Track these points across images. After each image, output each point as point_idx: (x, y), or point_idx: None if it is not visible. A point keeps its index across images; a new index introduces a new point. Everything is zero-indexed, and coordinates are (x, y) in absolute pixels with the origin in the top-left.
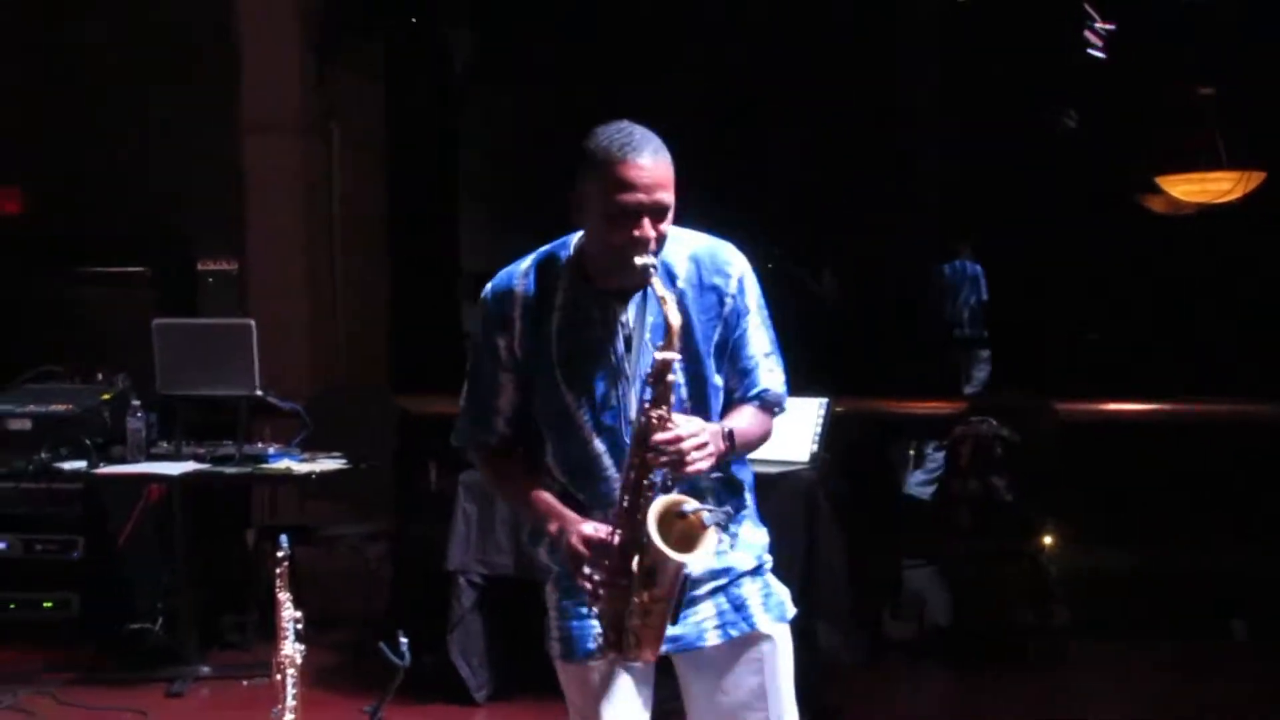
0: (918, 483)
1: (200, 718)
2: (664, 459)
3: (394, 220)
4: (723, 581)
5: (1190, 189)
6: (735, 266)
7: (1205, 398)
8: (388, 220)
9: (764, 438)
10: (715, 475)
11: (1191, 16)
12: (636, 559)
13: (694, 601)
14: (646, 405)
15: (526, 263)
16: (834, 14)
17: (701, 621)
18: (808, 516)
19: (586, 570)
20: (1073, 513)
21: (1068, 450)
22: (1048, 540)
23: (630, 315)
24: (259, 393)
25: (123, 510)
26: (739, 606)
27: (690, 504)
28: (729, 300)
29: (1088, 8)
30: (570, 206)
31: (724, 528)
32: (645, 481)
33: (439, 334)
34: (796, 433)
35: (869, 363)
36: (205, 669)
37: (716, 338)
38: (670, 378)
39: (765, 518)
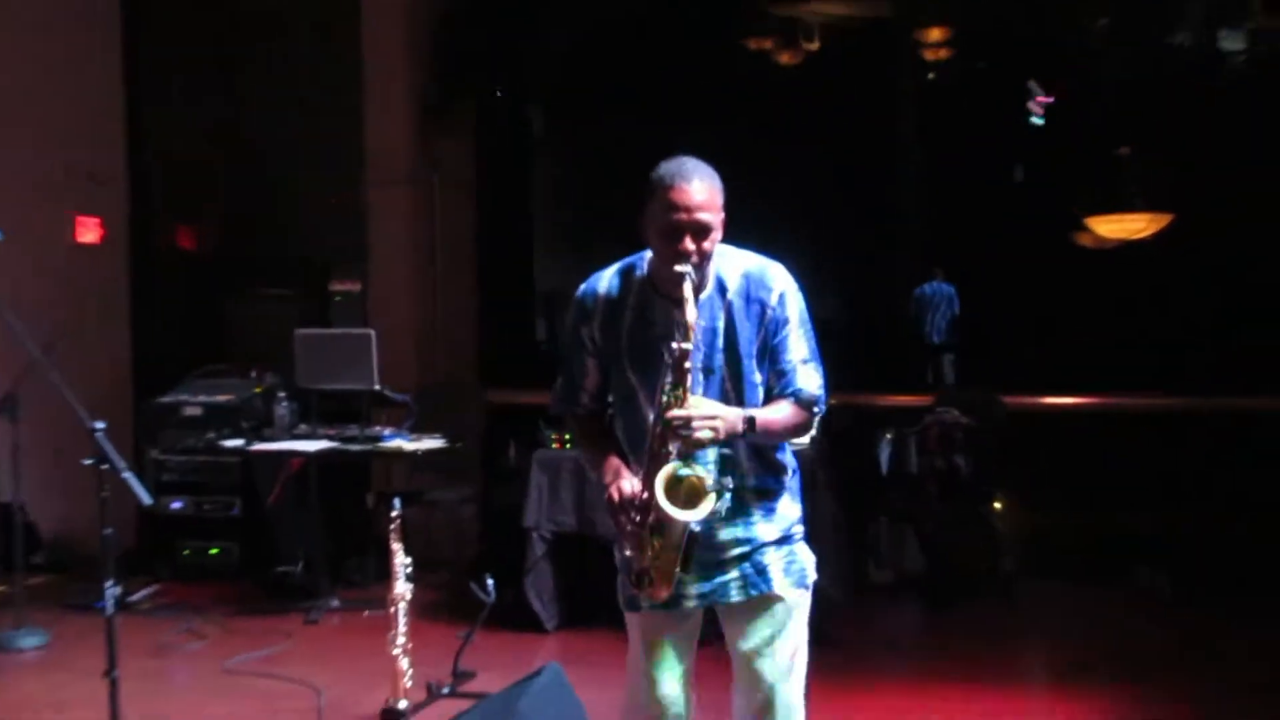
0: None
1: (331, 641)
2: (676, 430)
3: (482, 250)
4: (747, 550)
5: (1112, 227)
6: (779, 284)
7: (1126, 392)
8: (477, 250)
9: (795, 428)
10: (754, 457)
11: (1113, 93)
12: (652, 514)
13: (723, 564)
14: (665, 387)
15: (610, 270)
16: (836, 93)
17: (729, 582)
18: (808, 487)
19: (619, 517)
20: (1017, 483)
21: (1014, 434)
22: (997, 505)
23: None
24: (377, 387)
25: (271, 478)
26: (760, 571)
27: (694, 470)
28: (770, 311)
29: (1032, 84)
30: (641, 227)
31: (720, 494)
32: (662, 450)
33: (517, 340)
34: None
35: (859, 365)
36: (335, 602)
37: (758, 343)
38: (687, 365)
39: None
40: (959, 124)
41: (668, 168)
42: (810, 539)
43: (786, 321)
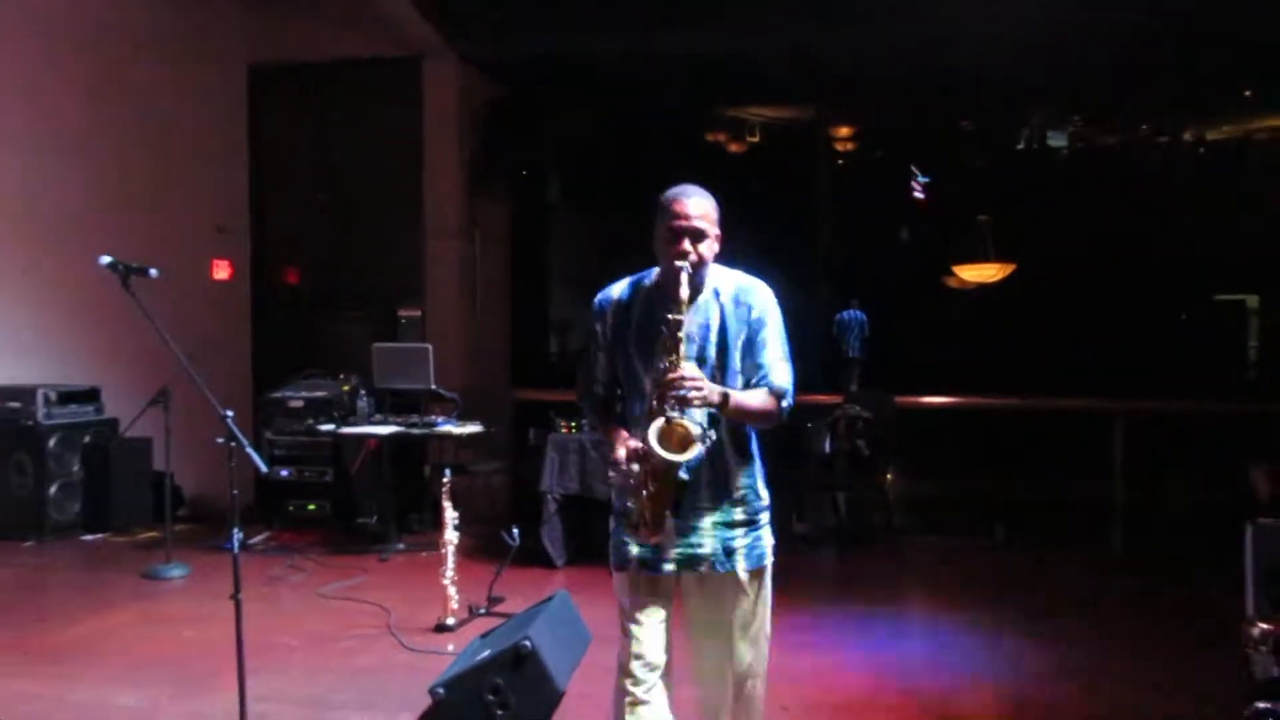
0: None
1: (398, 575)
2: (668, 388)
3: (512, 287)
4: (722, 522)
5: (972, 273)
6: (763, 294)
7: (982, 394)
8: (509, 287)
9: (764, 413)
10: (732, 447)
11: (973, 175)
12: (649, 462)
13: (700, 532)
14: (662, 357)
15: (623, 281)
16: (772, 173)
17: (702, 550)
18: None
19: (624, 466)
20: (904, 461)
21: (901, 424)
22: (889, 477)
23: (684, 316)
24: (433, 387)
25: (354, 453)
26: (729, 552)
27: (681, 419)
28: (755, 314)
29: (913, 168)
30: (652, 241)
31: (704, 442)
32: (658, 408)
33: (537, 354)
34: None
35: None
36: (400, 545)
37: (742, 338)
38: (680, 334)
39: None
40: (862, 196)
41: (671, 189)
42: None
43: (765, 325)
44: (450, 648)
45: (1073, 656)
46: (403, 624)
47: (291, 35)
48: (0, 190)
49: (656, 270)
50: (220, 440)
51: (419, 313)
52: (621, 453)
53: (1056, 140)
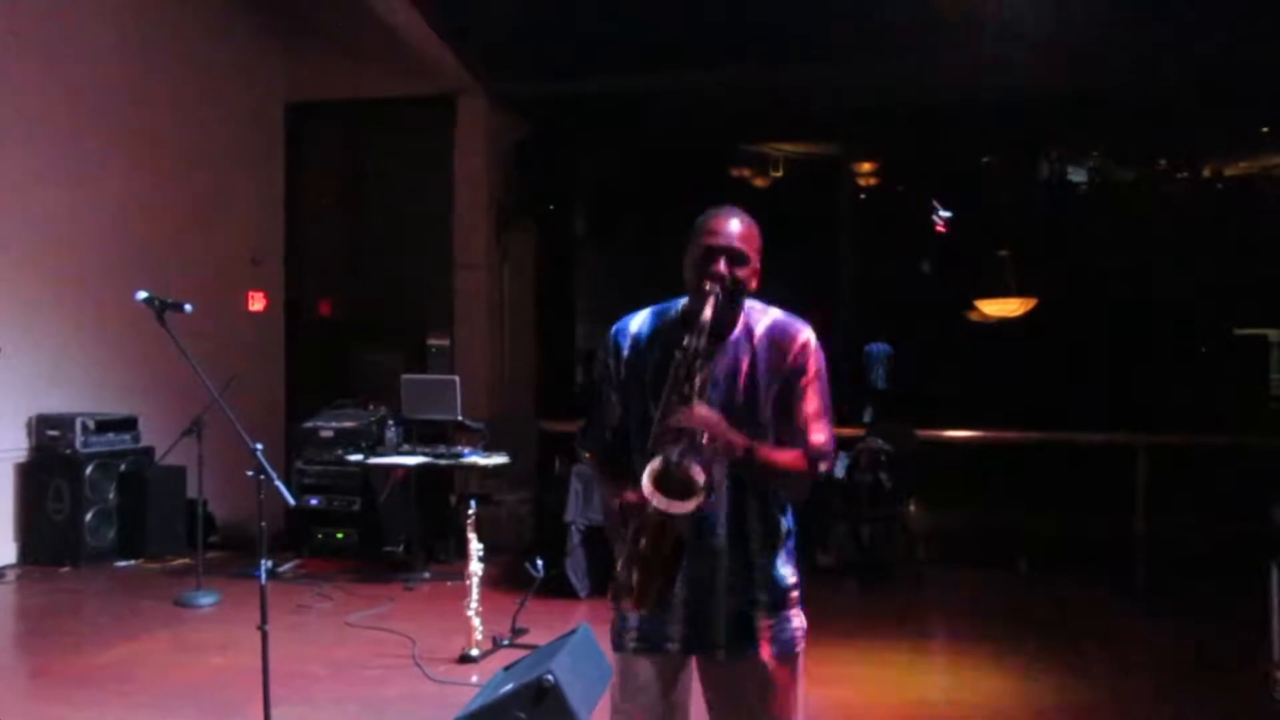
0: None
1: (424, 604)
2: (679, 430)
3: (539, 319)
4: (740, 598)
5: (994, 308)
6: (801, 335)
7: (1003, 427)
8: (535, 319)
9: (794, 474)
10: (758, 515)
11: (995, 210)
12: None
13: (710, 610)
14: (675, 385)
15: (645, 311)
16: (796, 207)
17: (715, 632)
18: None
19: (627, 521)
20: (925, 493)
21: (923, 457)
22: (910, 509)
23: (701, 345)
24: (460, 418)
25: (382, 483)
26: (748, 633)
27: (685, 463)
28: (791, 358)
29: (936, 204)
30: (683, 268)
31: (708, 492)
32: (658, 446)
33: (562, 385)
34: None
35: None
36: (426, 575)
37: (777, 386)
38: (697, 365)
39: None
40: (884, 230)
41: (711, 209)
42: None
43: (804, 373)
44: (474, 679)
45: (1094, 691)
46: (428, 654)
47: (328, 74)
48: (43, 223)
49: (684, 301)
50: (250, 474)
51: (447, 341)
52: (616, 503)
53: (1076, 175)
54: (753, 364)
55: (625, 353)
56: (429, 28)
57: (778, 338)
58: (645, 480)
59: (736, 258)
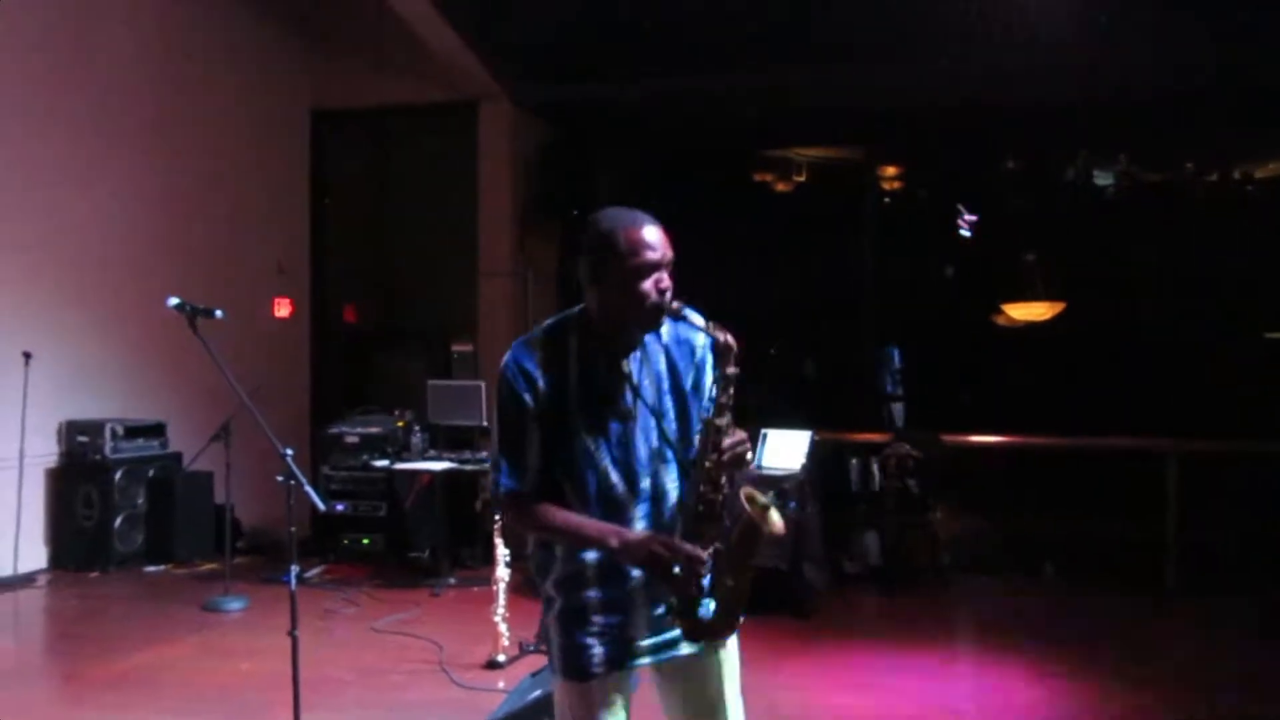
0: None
1: (450, 609)
2: (734, 454)
3: None
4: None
5: (1021, 312)
6: (700, 334)
7: (1030, 433)
8: None
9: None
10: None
11: (1021, 213)
12: (714, 547)
13: (664, 618)
14: (708, 417)
15: (538, 332)
16: (818, 211)
17: (676, 638)
18: (799, 499)
19: (675, 569)
20: (952, 499)
21: (950, 462)
22: (937, 515)
23: (633, 368)
24: (485, 423)
25: (408, 488)
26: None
27: (755, 492)
28: (698, 350)
29: (960, 207)
30: (579, 281)
31: (780, 508)
32: (720, 482)
33: None
34: (793, 452)
35: (836, 410)
36: (452, 580)
37: (691, 379)
38: (730, 390)
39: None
40: (908, 234)
41: (621, 215)
42: (799, 538)
43: (707, 360)
44: (501, 685)
45: (1123, 698)
46: (454, 659)
47: (352, 82)
48: (75, 231)
49: (575, 313)
50: (280, 478)
51: (470, 347)
52: (656, 547)
53: (1103, 179)
54: (671, 364)
55: (541, 384)
56: (453, 34)
57: (683, 336)
58: (762, 510)
59: (671, 266)
